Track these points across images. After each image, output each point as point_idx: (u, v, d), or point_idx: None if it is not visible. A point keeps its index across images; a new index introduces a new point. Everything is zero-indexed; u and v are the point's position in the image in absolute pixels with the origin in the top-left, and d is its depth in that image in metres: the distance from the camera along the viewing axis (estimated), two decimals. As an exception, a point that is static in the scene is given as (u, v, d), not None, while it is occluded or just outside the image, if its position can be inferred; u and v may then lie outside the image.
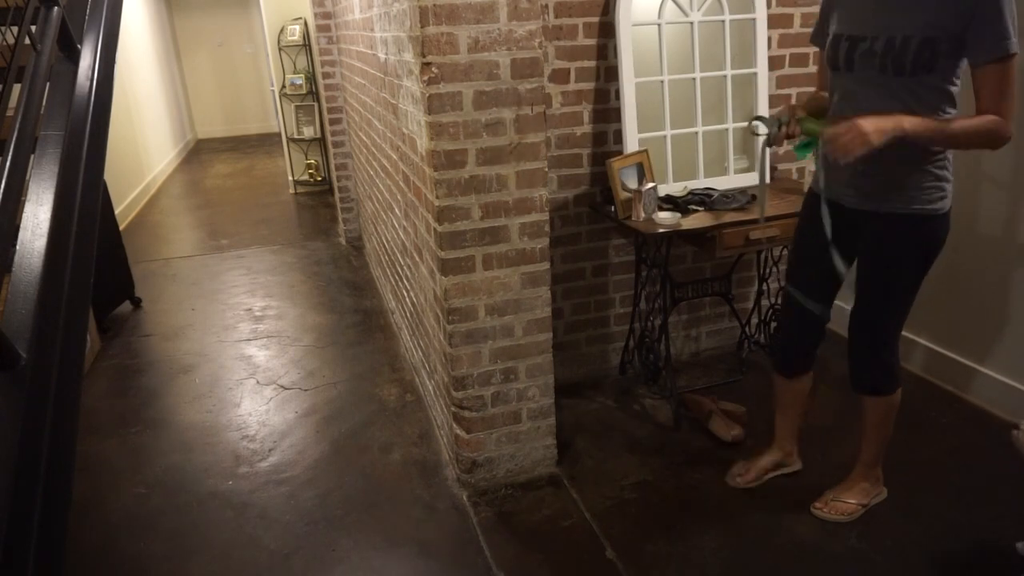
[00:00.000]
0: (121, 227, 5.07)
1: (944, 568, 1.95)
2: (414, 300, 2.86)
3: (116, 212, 4.74)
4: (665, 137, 2.67)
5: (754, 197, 2.55)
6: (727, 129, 2.74)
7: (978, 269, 2.63)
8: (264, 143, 10.27)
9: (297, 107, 6.77)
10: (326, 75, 4.90)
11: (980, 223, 2.59)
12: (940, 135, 1.69)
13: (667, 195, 2.62)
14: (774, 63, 2.81)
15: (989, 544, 2.02)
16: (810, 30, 2.80)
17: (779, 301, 2.93)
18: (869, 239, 1.89)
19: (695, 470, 2.43)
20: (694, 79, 2.66)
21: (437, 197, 2.03)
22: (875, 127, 1.63)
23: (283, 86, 6.64)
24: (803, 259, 2.07)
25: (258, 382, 3.27)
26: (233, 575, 2.11)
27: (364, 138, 3.85)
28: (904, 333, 1.97)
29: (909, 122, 1.65)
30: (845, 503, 2.16)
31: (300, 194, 7.01)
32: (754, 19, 2.65)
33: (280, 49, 6.49)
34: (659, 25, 2.57)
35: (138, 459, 2.71)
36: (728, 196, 2.53)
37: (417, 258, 2.61)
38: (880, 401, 2.05)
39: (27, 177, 1.78)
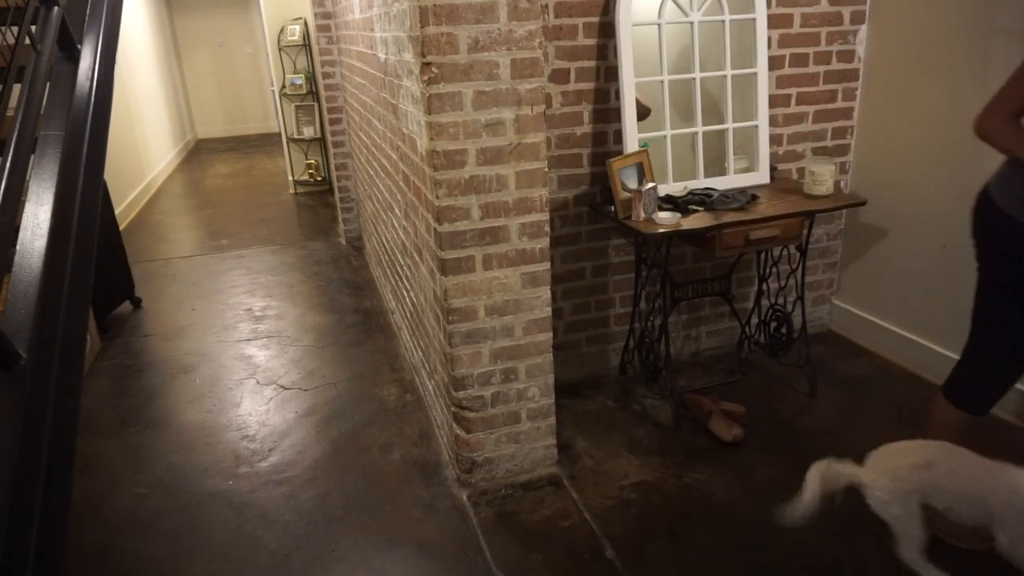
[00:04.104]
0: (121, 227, 5.07)
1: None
2: (414, 300, 2.86)
3: (116, 212, 4.74)
4: (665, 137, 2.68)
5: (755, 197, 2.56)
6: (727, 129, 2.74)
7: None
8: (264, 143, 10.28)
9: (297, 107, 6.78)
10: (326, 75, 4.90)
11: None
12: None
13: (667, 195, 2.62)
14: (774, 63, 2.81)
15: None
16: (810, 30, 2.85)
17: (778, 301, 2.93)
18: None
19: (695, 470, 2.43)
20: (694, 79, 2.66)
21: (437, 197, 2.03)
22: None
23: (283, 86, 6.64)
24: None
25: (258, 382, 3.27)
26: (233, 575, 2.11)
27: (364, 138, 3.85)
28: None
29: None
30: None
31: (300, 194, 7.01)
32: (754, 19, 2.65)
33: (280, 49, 6.50)
34: (659, 25, 2.57)
35: (138, 459, 2.72)
36: (728, 196, 2.53)
37: (417, 258, 2.61)
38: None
39: (27, 177, 1.78)
